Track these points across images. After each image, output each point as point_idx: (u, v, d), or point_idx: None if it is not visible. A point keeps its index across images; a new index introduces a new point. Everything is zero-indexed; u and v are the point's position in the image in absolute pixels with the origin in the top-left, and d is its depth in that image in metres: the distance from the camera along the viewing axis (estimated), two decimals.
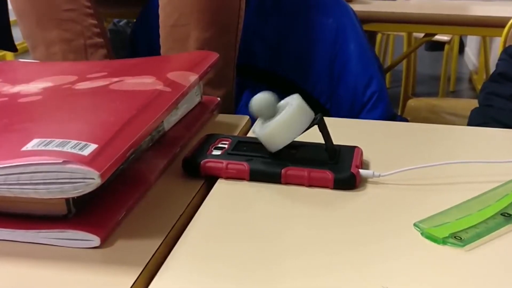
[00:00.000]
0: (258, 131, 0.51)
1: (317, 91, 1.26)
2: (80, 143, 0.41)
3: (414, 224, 0.43)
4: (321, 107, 1.26)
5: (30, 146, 0.41)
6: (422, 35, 1.77)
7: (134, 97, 0.52)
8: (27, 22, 1.07)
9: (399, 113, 2.50)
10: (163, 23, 1.04)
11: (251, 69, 1.28)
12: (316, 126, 0.50)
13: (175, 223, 0.44)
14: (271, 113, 0.50)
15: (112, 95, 0.54)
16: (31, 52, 1.10)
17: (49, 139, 0.42)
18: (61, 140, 0.42)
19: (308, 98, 1.20)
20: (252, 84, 1.28)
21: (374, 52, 1.38)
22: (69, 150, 0.40)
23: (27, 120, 0.50)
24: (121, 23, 2.66)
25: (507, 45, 1.24)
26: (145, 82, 0.56)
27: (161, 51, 1.05)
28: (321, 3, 1.28)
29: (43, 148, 0.41)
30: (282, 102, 0.51)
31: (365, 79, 1.21)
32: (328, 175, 0.48)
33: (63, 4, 1.06)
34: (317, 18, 1.26)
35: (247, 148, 0.53)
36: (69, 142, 0.41)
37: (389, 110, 1.23)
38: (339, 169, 0.49)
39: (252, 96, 0.50)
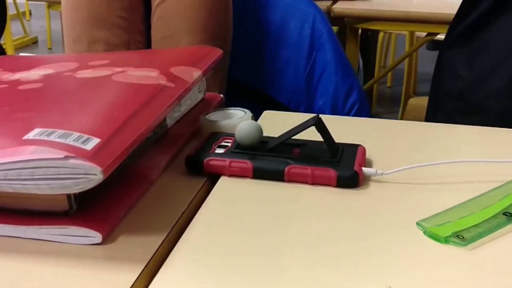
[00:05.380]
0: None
1: (294, 103, 1.19)
2: (83, 136, 0.41)
3: (417, 223, 0.43)
4: None
5: (31, 135, 0.41)
6: (424, 34, 1.77)
7: (137, 91, 0.52)
8: (78, 14, 1.07)
9: (400, 112, 2.50)
10: (154, 38, 1.05)
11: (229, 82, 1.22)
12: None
13: (178, 220, 0.44)
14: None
15: (115, 87, 0.53)
16: (71, 44, 1.09)
17: (51, 129, 0.41)
18: (63, 131, 0.41)
19: (285, 110, 1.16)
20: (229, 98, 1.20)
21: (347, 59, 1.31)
22: (71, 143, 0.40)
23: (28, 108, 0.49)
24: None
25: None
26: (149, 76, 0.55)
27: None
28: (292, 7, 1.19)
29: (45, 138, 0.40)
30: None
31: (345, 89, 1.15)
32: (331, 173, 0.48)
33: (119, 10, 1.06)
34: (289, 23, 1.18)
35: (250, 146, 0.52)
36: (72, 134, 0.41)
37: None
38: (342, 167, 0.49)
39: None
